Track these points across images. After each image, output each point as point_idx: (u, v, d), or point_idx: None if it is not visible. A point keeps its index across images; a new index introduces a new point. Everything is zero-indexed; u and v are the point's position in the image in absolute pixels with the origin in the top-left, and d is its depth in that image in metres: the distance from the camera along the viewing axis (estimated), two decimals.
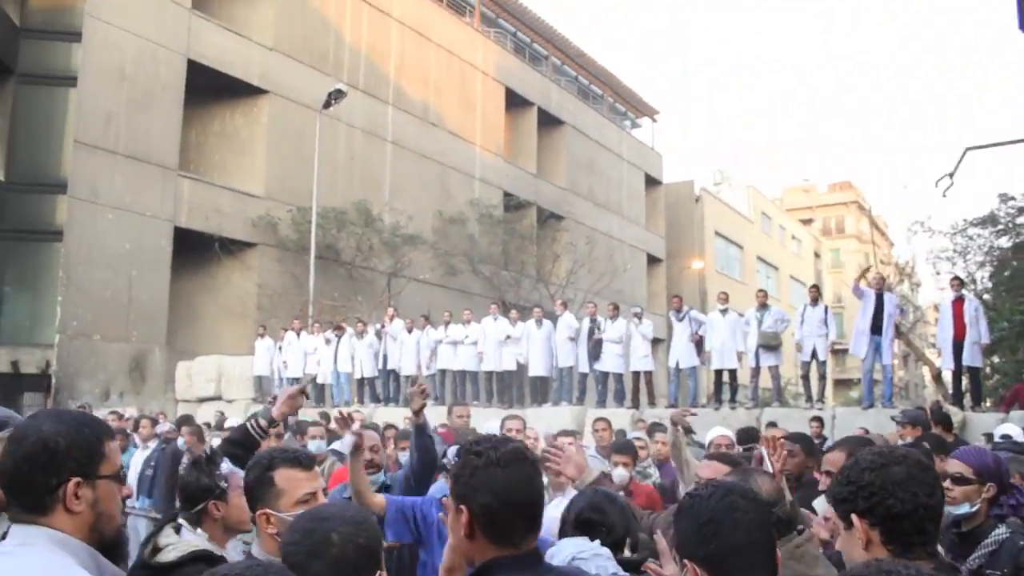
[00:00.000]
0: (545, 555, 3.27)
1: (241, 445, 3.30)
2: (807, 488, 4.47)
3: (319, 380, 17.21)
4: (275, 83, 24.25)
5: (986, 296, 22.56)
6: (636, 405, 14.45)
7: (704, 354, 14.46)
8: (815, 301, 13.58)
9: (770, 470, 3.88)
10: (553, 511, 3.51)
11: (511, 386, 15.90)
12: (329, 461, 6.91)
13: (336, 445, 7.22)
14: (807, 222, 61.49)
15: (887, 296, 13.07)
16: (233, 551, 2.86)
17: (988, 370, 20.02)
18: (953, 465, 3.40)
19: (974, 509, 3.26)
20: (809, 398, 13.62)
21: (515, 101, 33.44)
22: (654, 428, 8.58)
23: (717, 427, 7.23)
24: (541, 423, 10.98)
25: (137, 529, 8.73)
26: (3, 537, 1.80)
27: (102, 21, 20.58)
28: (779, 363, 13.86)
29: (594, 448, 7.64)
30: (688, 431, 8.96)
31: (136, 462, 9.77)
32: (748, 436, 9.33)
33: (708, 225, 42.72)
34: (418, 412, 4.36)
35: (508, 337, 15.55)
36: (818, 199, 65.62)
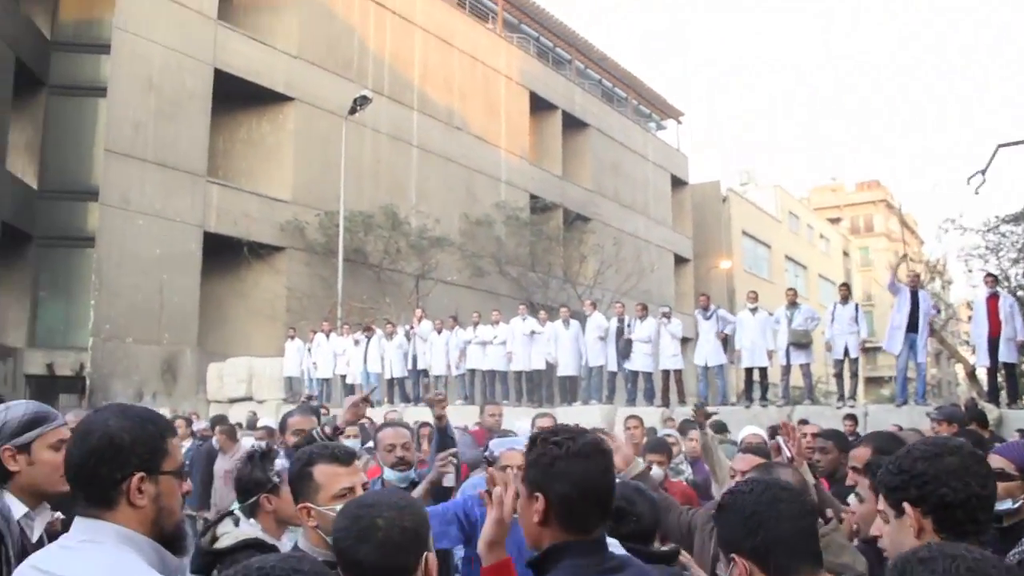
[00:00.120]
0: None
1: None
2: (841, 484, 4.45)
3: (348, 380, 17.35)
4: (301, 90, 24.47)
5: (1020, 293, 22.26)
6: (666, 404, 14.42)
7: (733, 353, 14.40)
8: (845, 299, 13.47)
9: (788, 455, 3.89)
10: None
11: (540, 385, 15.95)
12: (364, 459, 6.96)
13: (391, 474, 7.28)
14: (835, 221, 61.01)
15: (922, 293, 12.95)
16: (289, 543, 2.93)
17: (1021, 367, 19.72)
18: (995, 460, 3.34)
19: (1016, 505, 3.22)
20: (841, 396, 13.51)
21: (539, 105, 33.52)
22: (686, 426, 8.57)
23: (749, 426, 7.21)
24: (571, 422, 10.97)
25: None
26: (62, 529, 1.82)
27: (130, 33, 20.89)
28: (810, 361, 13.76)
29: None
30: (721, 429, 8.95)
31: None
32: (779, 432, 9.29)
33: (735, 225, 42.54)
34: (440, 416, 4.50)
35: (533, 332, 15.59)
36: (846, 198, 65.12)
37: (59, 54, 22.56)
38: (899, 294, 12.72)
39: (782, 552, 1.85)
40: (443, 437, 4.52)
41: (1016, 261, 23.97)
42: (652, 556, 2.89)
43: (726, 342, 14.33)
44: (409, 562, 1.82)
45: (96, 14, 22.30)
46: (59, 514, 4.32)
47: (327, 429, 3.60)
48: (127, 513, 1.78)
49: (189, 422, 10.74)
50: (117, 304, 20.07)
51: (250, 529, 2.97)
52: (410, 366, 16.71)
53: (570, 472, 1.96)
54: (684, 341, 14.97)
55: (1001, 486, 3.26)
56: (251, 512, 3.04)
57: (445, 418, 4.54)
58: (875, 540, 2.43)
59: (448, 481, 4.25)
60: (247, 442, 9.35)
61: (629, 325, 14.94)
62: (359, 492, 2.53)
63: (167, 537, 1.84)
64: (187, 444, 10.14)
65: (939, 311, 14.61)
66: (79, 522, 1.79)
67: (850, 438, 7.84)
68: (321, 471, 2.58)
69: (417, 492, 4.05)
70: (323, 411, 9.91)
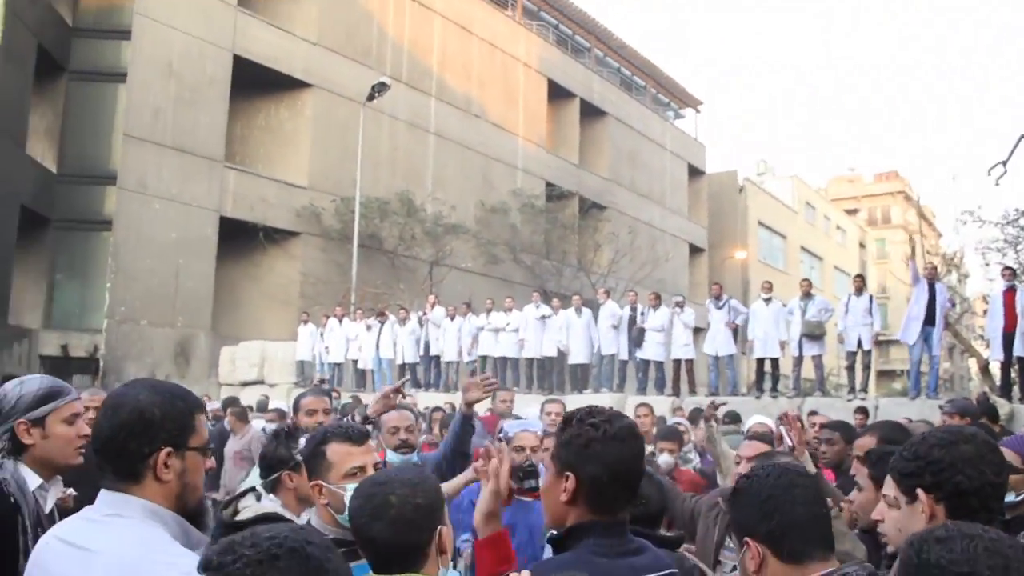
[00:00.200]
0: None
1: None
2: (847, 475, 4.46)
3: (360, 365, 17.47)
4: (319, 77, 24.53)
5: None
6: (676, 393, 14.43)
7: (746, 343, 14.38)
8: (859, 291, 13.40)
9: (789, 444, 3.94)
10: None
11: (551, 372, 15.99)
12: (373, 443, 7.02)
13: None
14: (852, 212, 60.59)
15: (939, 286, 12.88)
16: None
17: None
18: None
19: (1020, 498, 3.23)
20: (852, 388, 13.47)
21: (558, 93, 33.43)
22: (696, 415, 8.61)
23: (756, 415, 7.26)
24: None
25: None
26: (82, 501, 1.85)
27: (151, 19, 21.03)
28: (823, 353, 13.73)
29: None
30: (735, 419, 8.98)
31: None
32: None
33: (751, 215, 42.34)
34: (471, 404, 4.15)
35: (543, 317, 15.64)
36: (864, 189, 64.65)
37: (80, 40, 22.70)
38: (918, 284, 12.65)
39: (796, 536, 1.87)
40: (465, 426, 4.26)
41: None
42: (658, 540, 2.94)
43: (736, 332, 14.32)
44: (423, 538, 1.87)
45: (117, 1, 22.44)
46: (71, 490, 4.40)
47: (358, 417, 3.61)
48: (153, 487, 1.80)
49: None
50: (132, 287, 20.26)
51: (270, 504, 3.03)
52: (422, 352, 16.79)
53: (605, 454, 1.97)
54: (696, 331, 14.98)
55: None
56: (272, 488, 3.11)
57: (473, 407, 4.26)
58: (873, 529, 2.46)
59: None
60: (257, 424, 9.48)
61: (643, 314, 14.96)
62: (370, 471, 2.56)
63: (190, 512, 1.87)
64: None
65: (954, 305, 14.51)
66: (105, 495, 1.81)
67: (860, 431, 7.85)
68: (334, 450, 2.61)
69: (449, 487, 3.94)
70: (334, 395, 10.02)
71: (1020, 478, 3.22)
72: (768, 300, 14.01)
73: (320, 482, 2.60)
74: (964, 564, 1.36)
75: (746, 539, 1.91)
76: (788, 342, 13.68)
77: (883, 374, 49.07)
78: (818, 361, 13.71)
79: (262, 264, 23.65)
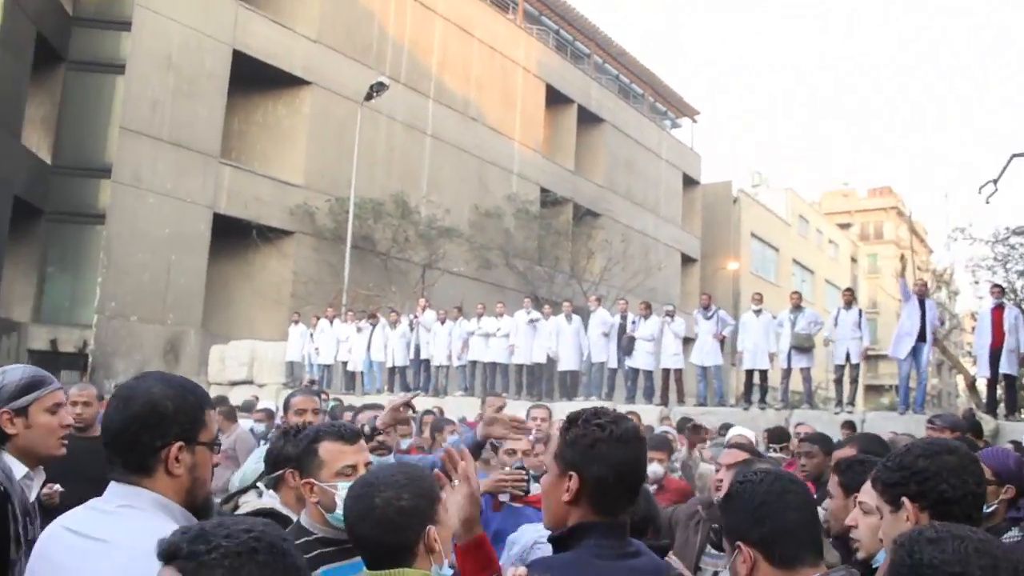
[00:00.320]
0: (508, 539, 3.34)
1: None
2: (825, 488, 4.49)
3: (349, 367, 17.45)
4: (318, 75, 24.53)
5: None
6: (665, 402, 14.46)
7: (736, 354, 14.43)
8: (849, 304, 13.46)
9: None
10: None
11: (541, 379, 16.00)
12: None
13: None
14: (845, 227, 60.81)
15: (928, 303, 12.95)
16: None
17: None
18: None
19: (990, 510, 3.29)
20: (840, 402, 13.53)
21: (555, 98, 33.49)
22: (685, 424, 8.64)
23: (736, 427, 7.31)
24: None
25: None
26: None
27: (151, 11, 21.00)
28: (811, 365, 13.78)
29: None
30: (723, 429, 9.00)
31: None
32: (778, 436, 9.36)
33: (744, 227, 42.46)
34: (489, 438, 3.95)
35: (532, 321, 15.65)
36: (857, 204, 64.90)
37: (80, 30, 22.64)
38: (908, 301, 12.71)
39: (788, 541, 1.89)
40: (476, 450, 4.01)
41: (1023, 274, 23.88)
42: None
43: (723, 343, 14.38)
44: (409, 539, 1.90)
45: None
46: (58, 486, 4.40)
47: (367, 428, 3.63)
48: (164, 481, 1.80)
49: None
50: (124, 282, 20.20)
51: (270, 500, 3.08)
52: (412, 356, 16.77)
53: (609, 455, 1.97)
54: (686, 341, 15.02)
55: None
56: (275, 485, 3.12)
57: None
58: (844, 535, 2.50)
59: (503, 497, 4.04)
60: (245, 424, 9.45)
61: (634, 322, 14.98)
62: (362, 470, 2.57)
63: (198, 507, 1.87)
64: None
65: (943, 323, 14.61)
66: (115, 487, 1.81)
67: None
68: (326, 448, 2.62)
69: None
70: (323, 397, 10.00)
71: (991, 489, 3.31)
72: (758, 312, 14.06)
73: (311, 480, 2.60)
74: (956, 564, 1.38)
75: (738, 543, 1.93)
76: (777, 354, 13.74)
77: (871, 388, 49.15)
78: (806, 374, 13.75)
79: (254, 262, 23.60)
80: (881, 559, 2.28)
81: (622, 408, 12.83)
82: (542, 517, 3.24)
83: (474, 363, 16.27)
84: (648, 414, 12.60)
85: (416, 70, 27.54)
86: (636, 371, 14.90)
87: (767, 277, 42.87)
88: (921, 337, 12.53)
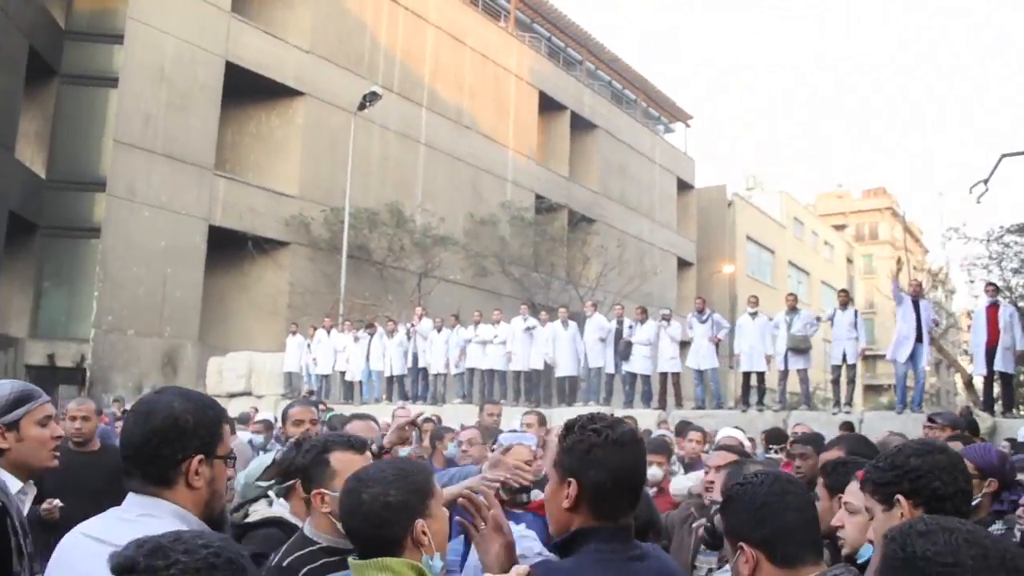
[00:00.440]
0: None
1: None
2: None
3: (347, 377, 17.46)
4: (311, 85, 24.57)
5: (1022, 304, 22.27)
6: (663, 406, 14.48)
7: (733, 357, 14.46)
8: (844, 305, 13.51)
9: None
10: None
11: (538, 385, 16.01)
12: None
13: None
14: (840, 228, 60.97)
15: (923, 303, 13.00)
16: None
17: (1022, 377, 19.77)
18: None
19: (975, 503, 3.36)
20: (837, 402, 13.57)
21: (548, 105, 33.57)
22: (684, 427, 8.65)
23: (725, 428, 7.34)
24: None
25: None
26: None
27: (143, 23, 21.02)
28: (808, 367, 13.81)
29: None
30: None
31: None
32: (776, 437, 9.38)
33: (740, 230, 42.55)
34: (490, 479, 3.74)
35: (528, 329, 15.68)
36: (852, 205, 65.09)
37: (72, 43, 22.68)
38: (902, 303, 12.76)
39: (789, 541, 1.92)
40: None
41: (1018, 271, 23.98)
42: None
43: (718, 346, 14.43)
44: (396, 533, 1.93)
45: (111, 4, 22.43)
46: (57, 501, 4.40)
47: (374, 447, 3.66)
48: (184, 493, 1.84)
49: None
50: (120, 296, 20.18)
51: (279, 509, 3.16)
52: (410, 364, 16.78)
53: (606, 460, 1.98)
54: (683, 345, 15.04)
55: None
56: (285, 494, 3.20)
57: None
58: (829, 537, 2.54)
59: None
60: (243, 436, 9.45)
61: (631, 327, 15.00)
62: None
63: (214, 520, 1.91)
64: None
65: (938, 324, 14.65)
66: (134, 498, 1.85)
67: None
68: (338, 458, 2.64)
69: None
70: (321, 407, 9.99)
71: (977, 483, 3.42)
72: (754, 314, 14.11)
73: (323, 490, 2.62)
74: (948, 555, 1.40)
75: (741, 544, 1.96)
76: (774, 356, 13.77)
77: (870, 388, 49.28)
78: (803, 375, 13.80)
79: (250, 274, 23.60)
80: (865, 553, 2.33)
81: (620, 413, 12.90)
82: (535, 522, 3.27)
83: (472, 370, 16.28)
84: (646, 418, 12.64)
85: (409, 79, 27.60)
86: (633, 376, 14.93)
87: (763, 279, 42.95)
88: (918, 338, 12.58)
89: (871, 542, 2.25)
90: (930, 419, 7.15)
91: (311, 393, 15.83)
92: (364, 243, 23.90)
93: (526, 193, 31.23)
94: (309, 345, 17.86)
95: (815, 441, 5.41)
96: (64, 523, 4.17)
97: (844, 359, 13.36)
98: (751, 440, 9.87)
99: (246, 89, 23.33)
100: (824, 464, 3.23)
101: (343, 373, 17.58)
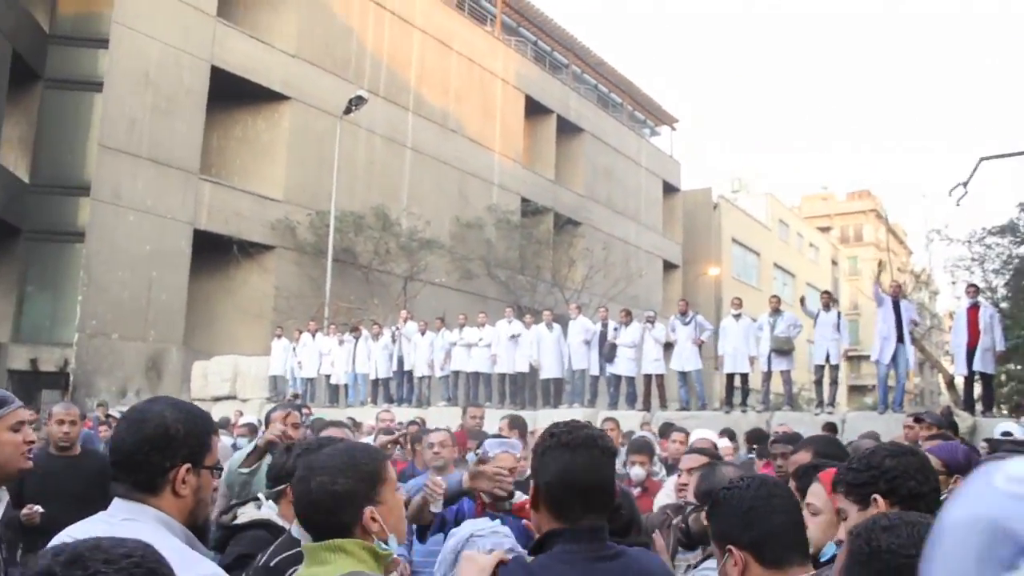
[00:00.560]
0: (450, 532, 3.41)
1: None
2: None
3: (332, 380, 17.47)
4: (297, 89, 24.56)
5: (1003, 304, 22.48)
6: (647, 408, 14.55)
7: (717, 358, 14.53)
8: (827, 306, 13.61)
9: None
10: None
11: (523, 388, 16.04)
12: None
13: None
14: (825, 230, 61.26)
15: (903, 303, 13.12)
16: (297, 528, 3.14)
17: (1003, 377, 19.98)
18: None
19: (942, 499, 3.44)
20: (820, 403, 13.66)
21: (534, 109, 33.64)
22: (667, 428, 8.71)
23: (699, 430, 7.40)
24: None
25: None
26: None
27: (128, 28, 20.97)
28: (791, 368, 13.90)
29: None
30: (731, 437, 9.10)
31: None
32: (757, 438, 9.47)
33: (725, 232, 42.72)
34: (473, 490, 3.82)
35: (514, 336, 15.71)
36: (836, 207, 65.43)
37: (56, 47, 22.58)
38: (882, 304, 12.88)
39: (777, 544, 1.98)
40: (459, 498, 3.92)
41: (999, 272, 24.21)
42: (632, 546, 3.06)
43: (701, 348, 14.51)
44: (345, 521, 1.97)
45: (95, 8, 22.34)
46: (38, 507, 4.43)
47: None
48: (170, 501, 1.89)
49: None
50: (104, 300, 20.11)
51: (267, 512, 3.23)
52: (395, 367, 16.80)
53: (555, 461, 2.05)
54: (667, 346, 15.11)
55: None
56: (276, 498, 3.28)
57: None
58: None
59: (435, 507, 4.06)
60: (227, 440, 9.46)
61: (615, 329, 15.05)
62: None
63: (199, 528, 1.96)
64: None
65: (917, 324, 14.80)
66: (120, 503, 1.89)
67: None
68: None
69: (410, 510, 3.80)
70: (305, 411, 10.00)
71: (943, 479, 3.53)
72: (738, 316, 14.19)
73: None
74: (911, 547, 1.45)
75: (729, 547, 2.01)
76: (757, 357, 13.85)
77: (854, 389, 49.58)
78: (787, 376, 13.87)
79: (236, 278, 23.56)
80: (828, 552, 2.39)
81: (604, 414, 12.96)
82: (513, 525, 3.32)
83: (457, 373, 16.29)
84: (631, 420, 12.69)
85: (395, 83, 27.62)
86: (618, 377, 14.98)
87: (748, 281, 43.12)
88: (899, 339, 12.70)
89: (840, 543, 2.31)
90: (917, 418, 7.25)
91: (296, 397, 15.83)
92: (350, 247, 23.90)
93: (512, 196, 31.28)
94: (294, 349, 17.85)
95: (795, 440, 5.48)
96: (45, 527, 4.21)
97: (827, 360, 13.43)
98: (734, 442, 9.98)
99: (232, 93, 23.31)
100: (796, 468, 3.29)
101: (328, 376, 17.58)
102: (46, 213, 21.73)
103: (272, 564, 2.49)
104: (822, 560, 2.36)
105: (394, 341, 16.81)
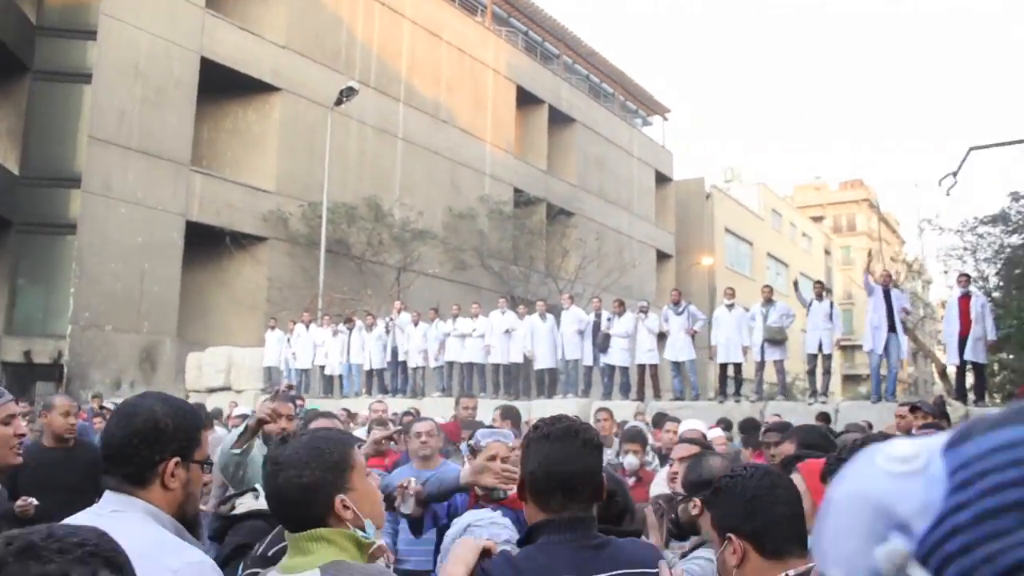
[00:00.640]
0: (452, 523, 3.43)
1: None
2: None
3: (327, 372, 17.47)
4: (287, 80, 24.47)
5: (995, 294, 22.56)
6: (641, 397, 14.59)
7: (711, 348, 14.57)
8: (820, 296, 13.65)
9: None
10: None
11: (517, 378, 16.07)
12: None
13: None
14: (818, 219, 61.38)
15: (894, 292, 13.16)
16: None
17: (996, 366, 20.06)
18: None
19: None
20: (814, 392, 13.72)
21: (526, 99, 33.58)
22: (661, 419, 8.74)
23: (688, 420, 7.44)
24: (546, 415, 11.14)
25: None
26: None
27: (117, 19, 20.86)
28: (784, 358, 13.94)
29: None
30: (727, 427, 9.12)
31: None
32: (749, 427, 9.51)
33: (718, 222, 42.75)
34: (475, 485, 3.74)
35: (508, 331, 15.72)
36: (829, 197, 65.54)
37: (44, 39, 22.41)
38: (873, 294, 12.93)
39: (778, 534, 2.00)
40: (457, 492, 3.88)
41: (991, 261, 24.29)
42: (623, 534, 3.07)
43: (694, 337, 14.54)
44: (316, 512, 1.97)
45: (83, 0, 22.22)
46: (33, 500, 4.43)
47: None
48: (158, 493, 1.91)
49: None
50: (97, 292, 20.06)
51: (265, 502, 3.27)
52: (389, 358, 16.80)
53: (536, 452, 2.10)
54: (661, 336, 15.14)
55: None
56: None
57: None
58: None
59: (404, 508, 3.92)
60: (221, 432, 9.47)
61: (608, 320, 15.08)
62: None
63: (188, 522, 1.98)
64: None
65: (909, 312, 14.86)
66: (110, 495, 1.92)
67: None
68: None
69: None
70: (299, 402, 10.00)
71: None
72: (731, 306, 14.23)
73: None
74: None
75: (729, 535, 2.02)
76: (751, 347, 13.90)
77: (849, 378, 49.74)
78: (780, 366, 13.92)
79: (229, 269, 23.51)
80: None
81: (598, 404, 12.99)
82: (507, 515, 3.33)
83: (451, 364, 16.31)
84: (624, 410, 12.73)
85: (386, 74, 27.54)
86: (612, 368, 15.01)
87: (742, 271, 43.21)
88: (891, 328, 12.74)
89: None
90: (913, 408, 7.28)
91: (289, 387, 15.82)
92: (343, 238, 23.87)
93: (504, 187, 31.25)
94: (288, 340, 17.85)
95: (785, 429, 5.51)
96: (40, 520, 4.21)
97: (820, 349, 13.49)
98: (730, 432, 10.02)
99: (222, 85, 23.21)
100: (781, 460, 3.30)
101: (323, 367, 17.59)
102: (37, 205, 21.61)
103: (270, 554, 2.50)
104: None
105: (388, 332, 16.80)
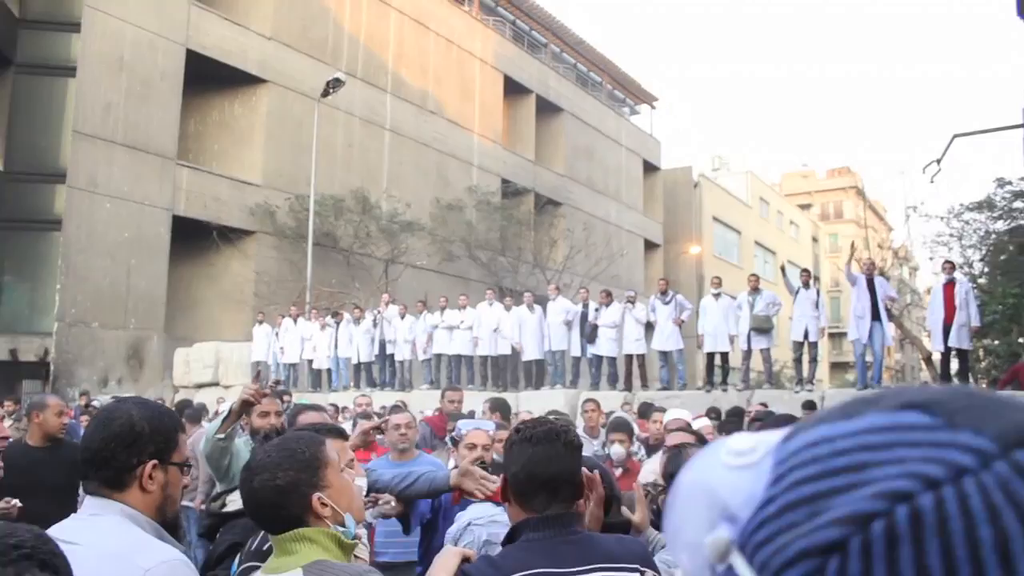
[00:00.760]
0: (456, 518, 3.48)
1: None
2: None
3: (315, 365, 17.44)
4: (274, 72, 24.35)
5: (981, 280, 22.70)
6: (629, 388, 14.63)
7: (698, 337, 14.62)
8: (807, 284, 13.70)
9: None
10: None
11: (505, 370, 16.09)
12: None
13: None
14: (805, 207, 61.48)
15: (878, 280, 13.22)
16: None
17: (981, 353, 20.19)
18: None
19: None
20: (800, 380, 13.78)
21: (513, 88, 33.50)
22: (648, 409, 8.79)
23: (674, 410, 7.49)
24: (535, 406, 11.22)
25: None
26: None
27: (101, 11, 20.70)
28: (771, 346, 14.00)
29: (581, 428, 7.84)
30: (719, 416, 9.19)
31: None
32: (733, 416, 9.58)
33: (706, 210, 42.78)
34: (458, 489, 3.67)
35: (495, 330, 15.71)
36: (817, 184, 65.61)
37: (28, 32, 22.24)
38: (856, 283, 12.99)
39: None
40: (442, 492, 3.83)
41: (977, 248, 24.42)
42: (612, 526, 3.12)
43: (682, 327, 14.59)
44: (294, 512, 2.00)
45: None
46: (16, 501, 4.44)
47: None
48: (137, 496, 1.95)
49: None
50: (83, 288, 19.96)
51: None
52: (377, 351, 16.80)
53: (520, 454, 2.19)
54: (648, 326, 15.18)
55: None
56: None
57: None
58: None
59: (369, 517, 3.86)
60: (209, 427, 9.47)
61: (596, 310, 15.10)
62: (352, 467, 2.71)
63: (167, 524, 2.02)
64: None
65: (894, 299, 14.96)
66: (90, 500, 1.96)
67: None
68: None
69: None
70: (287, 398, 10.01)
71: None
72: (717, 295, 14.28)
73: None
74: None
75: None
76: (737, 336, 13.95)
77: (836, 366, 49.95)
78: (766, 354, 13.97)
79: (216, 264, 23.42)
80: None
81: (586, 395, 13.04)
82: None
83: (439, 356, 16.32)
84: (612, 400, 12.79)
85: (373, 65, 27.45)
86: (600, 358, 15.05)
87: (730, 259, 43.28)
88: (875, 316, 12.81)
89: None
90: None
91: (277, 383, 15.81)
92: (330, 230, 23.80)
93: (492, 177, 31.21)
94: (276, 334, 17.81)
95: (767, 418, 5.57)
96: (26, 519, 4.22)
97: (806, 337, 13.55)
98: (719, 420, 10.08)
99: (208, 77, 23.09)
100: None
101: (311, 361, 17.56)
102: (21, 201, 21.49)
103: (264, 549, 2.54)
104: None
105: (375, 325, 16.79)
